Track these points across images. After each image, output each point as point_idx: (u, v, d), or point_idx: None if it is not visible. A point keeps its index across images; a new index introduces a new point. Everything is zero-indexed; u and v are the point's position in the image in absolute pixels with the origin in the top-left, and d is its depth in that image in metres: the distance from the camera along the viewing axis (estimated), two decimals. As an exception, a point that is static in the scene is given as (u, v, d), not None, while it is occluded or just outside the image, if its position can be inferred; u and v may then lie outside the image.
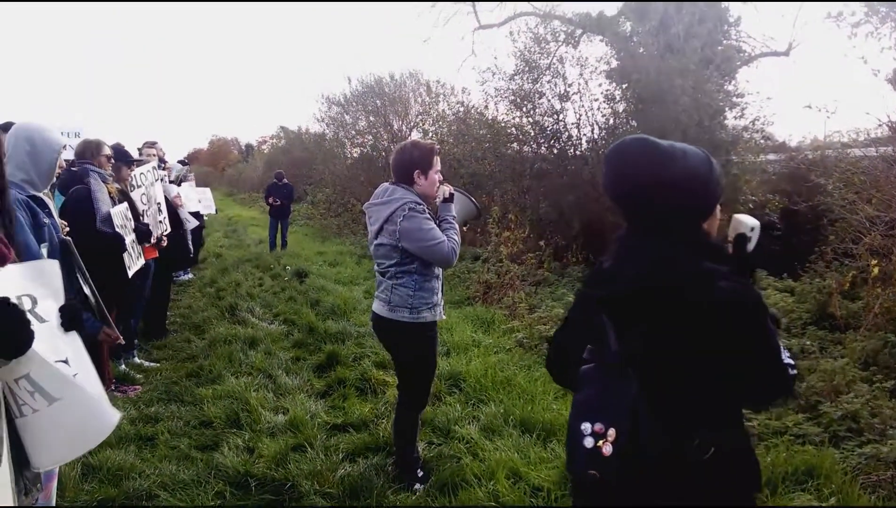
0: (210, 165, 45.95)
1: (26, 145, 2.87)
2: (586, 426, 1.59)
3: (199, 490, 3.55)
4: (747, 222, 1.78)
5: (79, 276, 2.50)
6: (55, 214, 2.94)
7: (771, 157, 13.63)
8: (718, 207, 1.76)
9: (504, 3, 18.77)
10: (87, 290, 2.51)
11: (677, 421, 1.54)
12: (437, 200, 3.51)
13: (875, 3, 13.22)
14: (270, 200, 13.48)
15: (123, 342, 3.33)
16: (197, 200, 9.51)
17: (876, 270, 6.91)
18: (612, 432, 1.55)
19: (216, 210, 11.70)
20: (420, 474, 3.65)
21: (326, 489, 3.57)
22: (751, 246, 1.77)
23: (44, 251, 2.44)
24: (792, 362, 1.59)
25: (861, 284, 7.45)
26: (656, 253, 1.60)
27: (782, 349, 1.58)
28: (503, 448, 3.93)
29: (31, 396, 1.62)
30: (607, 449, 1.54)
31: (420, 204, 3.35)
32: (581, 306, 1.82)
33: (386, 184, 3.52)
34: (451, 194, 3.54)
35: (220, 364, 5.67)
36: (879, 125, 9.24)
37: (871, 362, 5.74)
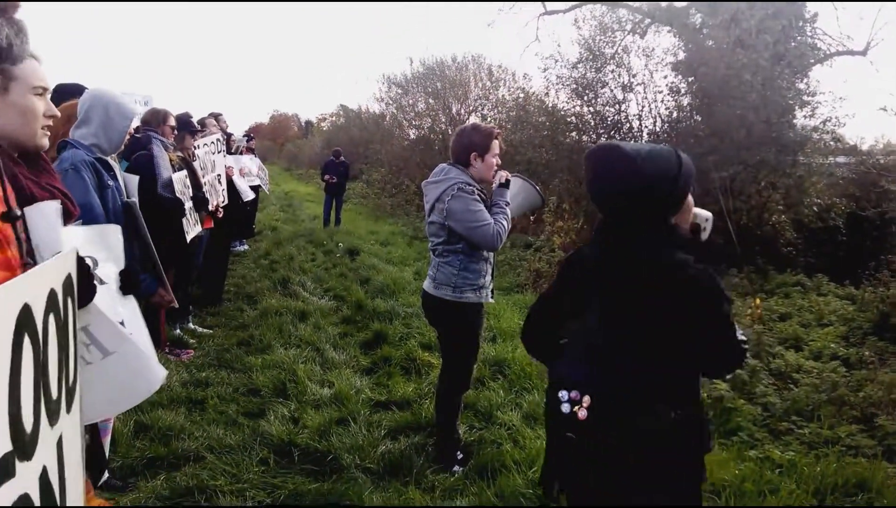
0: (270, 139, 46.69)
1: (100, 112, 2.96)
2: (563, 394, 1.80)
3: (245, 455, 3.63)
4: (702, 214, 2.04)
5: (140, 238, 2.57)
6: (120, 177, 3.02)
7: (840, 159, 13.11)
8: (690, 199, 1.95)
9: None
10: (147, 251, 2.58)
11: (644, 391, 1.73)
12: (494, 184, 3.49)
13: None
14: (326, 177, 13.63)
15: (177, 306, 3.41)
16: (257, 174, 9.70)
17: (945, 281, 6.62)
18: (586, 399, 1.76)
19: (269, 189, 11.89)
20: (460, 456, 3.66)
21: (367, 464, 3.61)
22: (704, 235, 2.03)
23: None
24: (745, 338, 1.83)
25: (928, 295, 7.15)
26: (631, 243, 1.82)
27: (736, 328, 1.81)
28: (544, 437, 3.91)
29: (86, 348, 1.67)
30: (582, 414, 1.76)
31: (471, 185, 3.34)
32: (561, 285, 2.04)
33: (444, 164, 3.52)
34: (508, 181, 3.51)
35: (271, 335, 5.79)
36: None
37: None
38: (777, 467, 3.75)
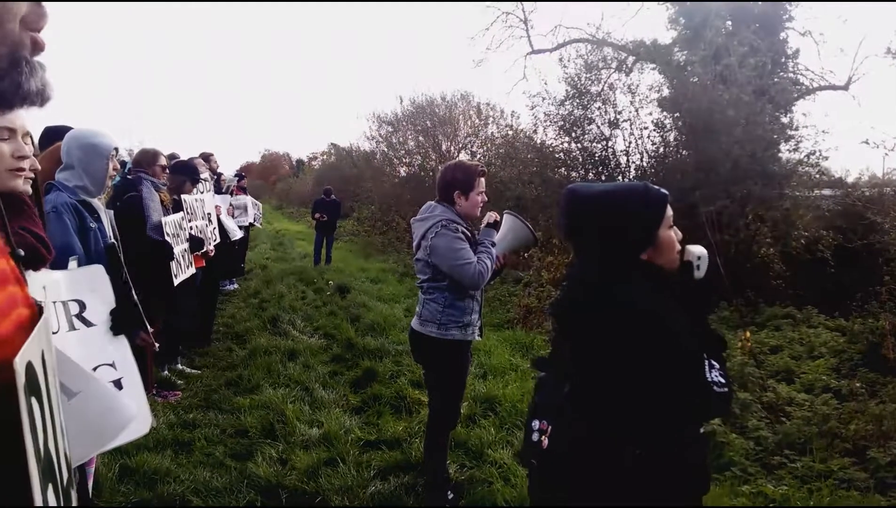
0: (261, 178, 46.85)
1: (78, 153, 2.96)
2: (535, 423, 1.84)
3: (231, 497, 3.59)
4: (695, 251, 1.98)
5: (119, 280, 2.55)
6: (105, 219, 3.01)
7: (826, 192, 13.26)
8: (671, 236, 1.90)
9: (557, 29, 18.66)
10: (127, 294, 2.56)
11: (605, 427, 1.73)
12: (483, 224, 3.52)
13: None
14: (317, 215, 13.66)
15: (157, 349, 3.36)
16: (247, 210, 9.73)
17: (933, 312, 6.65)
18: (550, 428, 1.79)
19: (261, 224, 11.96)
20: (450, 496, 3.62)
21: (356, 504, 3.57)
22: (699, 274, 1.96)
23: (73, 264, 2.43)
24: (721, 380, 1.72)
25: (917, 326, 7.17)
26: (580, 276, 1.88)
27: (709, 367, 1.71)
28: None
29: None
30: (545, 443, 1.78)
31: (454, 222, 3.36)
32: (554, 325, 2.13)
33: (431, 202, 3.55)
34: (496, 222, 3.54)
35: (259, 374, 5.75)
36: (941, 163, 8.93)
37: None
38: (771, 502, 3.73)
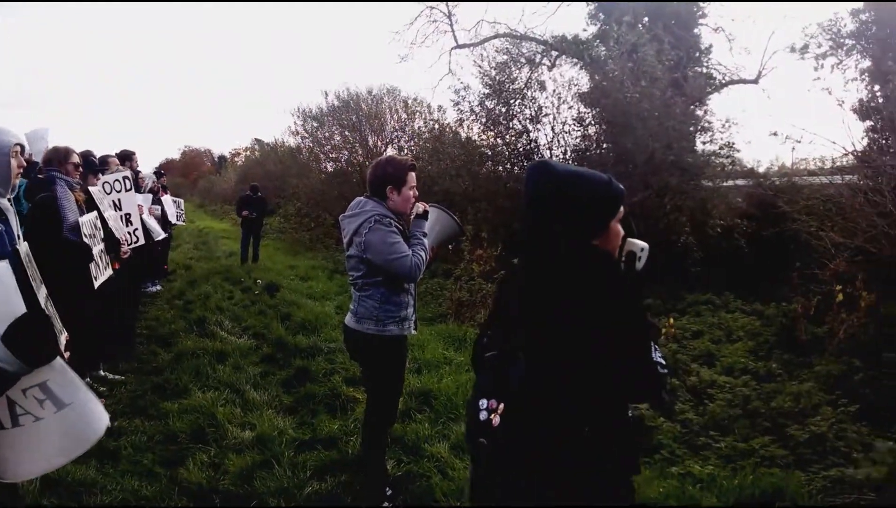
0: (182, 175, 45.50)
1: None
2: (483, 402, 1.82)
3: (162, 506, 3.48)
4: (638, 243, 2.06)
5: (33, 285, 2.42)
6: (13, 220, 2.84)
7: (739, 182, 13.86)
8: (619, 227, 1.99)
9: (480, 23, 18.84)
10: (40, 299, 2.43)
11: (558, 404, 1.74)
12: (411, 215, 3.51)
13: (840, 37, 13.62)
14: (244, 212, 13.36)
15: (66, 359, 3.19)
16: (176, 213, 9.45)
17: (841, 295, 7.03)
18: (502, 406, 1.77)
19: (184, 221, 11.64)
20: (388, 492, 3.61)
21: (292, 505, 3.52)
22: (640, 265, 2.04)
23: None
24: (662, 361, 1.84)
25: (826, 309, 7.59)
26: (549, 255, 1.87)
27: (654, 349, 1.82)
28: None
29: (38, 404, 1.59)
30: (496, 421, 1.76)
31: (387, 217, 3.35)
32: (496, 303, 2.11)
33: (360, 197, 3.52)
34: (425, 211, 3.54)
35: (187, 378, 5.59)
36: (845, 154, 9.46)
37: (836, 386, 5.84)
38: (698, 482, 3.87)
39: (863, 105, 14.38)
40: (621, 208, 1.98)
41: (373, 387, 3.61)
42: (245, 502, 3.57)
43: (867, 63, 14.71)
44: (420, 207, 3.53)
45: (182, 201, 11.27)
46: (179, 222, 10.90)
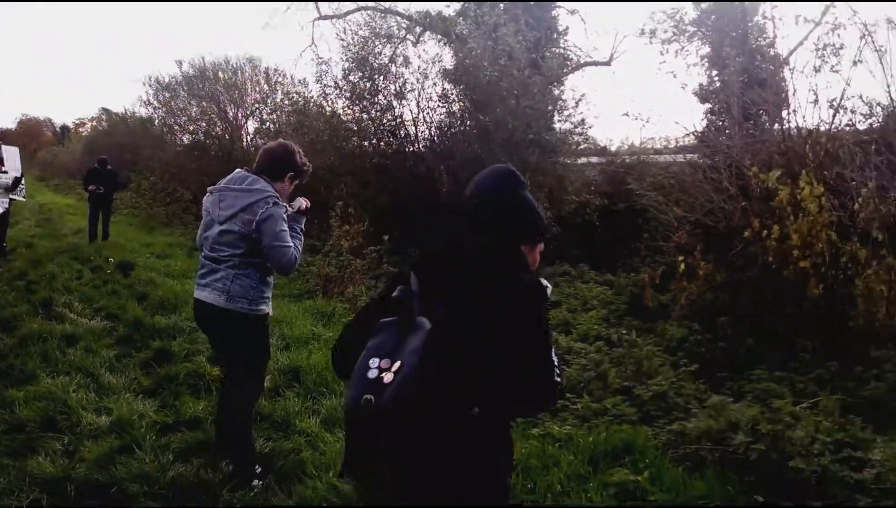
0: (19, 147, 41.81)
1: None
2: (374, 361, 1.75)
3: (12, 498, 3.28)
4: (546, 281, 2.07)
5: None
6: None
7: (593, 160, 14.64)
8: (542, 245, 2.09)
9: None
10: None
11: (452, 383, 1.73)
12: (292, 209, 3.52)
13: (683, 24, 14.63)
14: (91, 187, 12.48)
15: None
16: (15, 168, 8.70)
17: (682, 266, 7.64)
18: (397, 364, 1.71)
19: (24, 196, 10.73)
20: (258, 470, 3.58)
21: (157, 490, 3.42)
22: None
23: None
24: (558, 371, 1.84)
25: (670, 278, 8.23)
26: (485, 250, 1.91)
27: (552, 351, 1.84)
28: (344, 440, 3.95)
29: None
30: (388, 377, 1.69)
31: (280, 204, 3.35)
32: (388, 290, 2.01)
33: (242, 171, 3.45)
34: (308, 208, 3.60)
35: (34, 363, 5.22)
36: (687, 134, 10.24)
37: (678, 348, 6.39)
38: (557, 441, 4.13)
39: (703, 89, 15.59)
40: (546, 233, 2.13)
41: (240, 365, 3.53)
42: (104, 489, 3.43)
43: (707, 49, 15.91)
44: (303, 203, 3.55)
45: (22, 173, 10.40)
46: (20, 198, 10.06)
